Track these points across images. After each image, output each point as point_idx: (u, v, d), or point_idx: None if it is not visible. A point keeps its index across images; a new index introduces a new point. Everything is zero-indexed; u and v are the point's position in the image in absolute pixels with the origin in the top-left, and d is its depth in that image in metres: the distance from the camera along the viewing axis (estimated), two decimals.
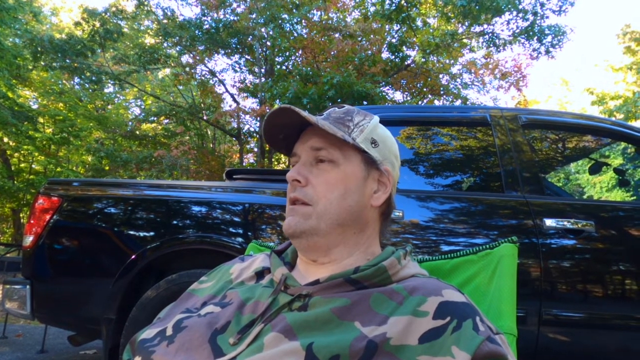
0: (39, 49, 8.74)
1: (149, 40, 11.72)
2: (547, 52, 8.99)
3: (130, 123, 13.25)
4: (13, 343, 3.26)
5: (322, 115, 0.70)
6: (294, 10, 8.96)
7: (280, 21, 8.43)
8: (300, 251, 0.68)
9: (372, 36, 9.00)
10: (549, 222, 1.74)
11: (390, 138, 0.72)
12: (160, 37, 9.90)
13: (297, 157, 0.68)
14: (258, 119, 10.14)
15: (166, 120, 12.30)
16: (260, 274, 0.70)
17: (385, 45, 9.56)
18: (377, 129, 0.69)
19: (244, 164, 11.68)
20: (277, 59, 10.34)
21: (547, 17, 8.64)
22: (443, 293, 0.57)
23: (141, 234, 1.97)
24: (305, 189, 0.64)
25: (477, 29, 9.16)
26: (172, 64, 10.88)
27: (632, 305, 1.74)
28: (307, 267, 0.67)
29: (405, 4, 8.26)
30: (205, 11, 9.70)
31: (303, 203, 0.64)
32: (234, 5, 9.76)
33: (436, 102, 10.71)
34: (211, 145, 13.43)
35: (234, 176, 2.35)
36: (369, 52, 8.91)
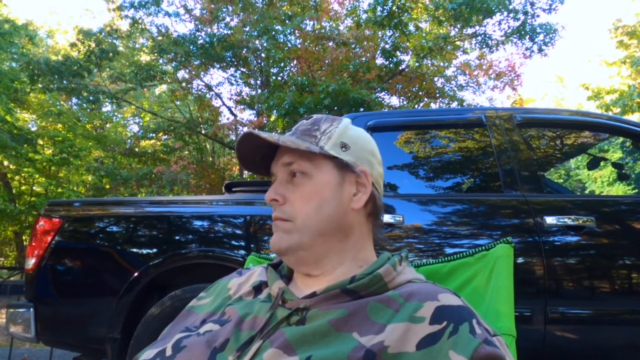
0: (36, 71, 8.80)
1: (144, 58, 11.80)
2: (540, 50, 9.05)
3: (129, 140, 13.27)
4: None
5: (291, 130, 0.70)
6: (287, 22, 9.03)
7: (273, 33, 8.48)
8: (291, 266, 0.69)
9: (365, 43, 9.05)
10: (550, 220, 1.74)
11: (364, 138, 0.71)
12: (156, 54, 9.96)
13: (275, 176, 0.69)
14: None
15: (165, 136, 12.32)
16: (257, 289, 0.70)
17: (378, 52, 9.61)
18: (346, 131, 0.69)
19: (243, 176, 11.68)
20: (272, 70, 10.39)
21: (537, 16, 8.70)
22: (439, 297, 0.57)
23: (143, 251, 1.97)
24: (284, 207, 0.65)
25: (469, 30, 9.23)
26: (169, 80, 10.94)
27: (638, 299, 1.73)
28: (304, 280, 0.67)
29: (396, 9, 8.33)
30: (199, 26, 9.78)
31: (284, 220, 0.65)
32: (227, 19, 9.84)
33: (432, 105, 10.74)
34: (210, 159, 13.46)
35: (233, 189, 2.35)
36: (363, 59, 8.97)
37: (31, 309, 1.90)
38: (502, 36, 9.08)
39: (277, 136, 0.65)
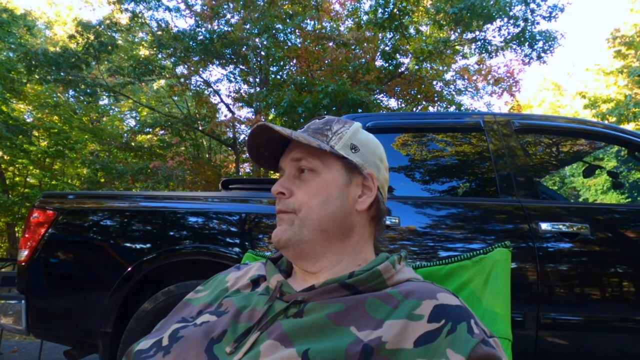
0: (33, 62, 8.75)
1: (143, 52, 11.75)
2: (539, 57, 9.11)
3: (125, 135, 13.23)
4: (8, 359, 3.21)
5: (303, 128, 0.71)
6: (288, 20, 9.03)
7: (274, 31, 8.48)
8: (290, 260, 0.69)
9: (365, 44, 9.07)
10: (545, 226, 1.75)
11: (373, 142, 0.73)
12: (155, 49, 9.93)
13: (283, 170, 0.70)
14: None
15: (161, 132, 12.30)
16: (255, 282, 0.70)
17: (378, 53, 9.63)
18: (357, 134, 0.70)
19: (240, 174, 11.67)
20: (271, 69, 10.38)
21: (537, 23, 8.76)
22: (438, 296, 0.57)
23: (137, 246, 1.96)
24: (288, 201, 0.66)
25: (469, 35, 9.27)
26: (167, 75, 10.91)
27: (630, 307, 1.74)
28: (302, 275, 0.68)
29: (397, 12, 8.34)
30: (199, 22, 9.75)
31: (287, 212, 0.66)
32: (228, 16, 9.83)
33: (430, 109, 10.78)
34: (207, 156, 13.42)
35: (230, 186, 2.35)
36: (363, 60, 8.98)
37: (23, 301, 1.89)
38: (501, 42, 9.13)
39: (290, 131, 0.66)
